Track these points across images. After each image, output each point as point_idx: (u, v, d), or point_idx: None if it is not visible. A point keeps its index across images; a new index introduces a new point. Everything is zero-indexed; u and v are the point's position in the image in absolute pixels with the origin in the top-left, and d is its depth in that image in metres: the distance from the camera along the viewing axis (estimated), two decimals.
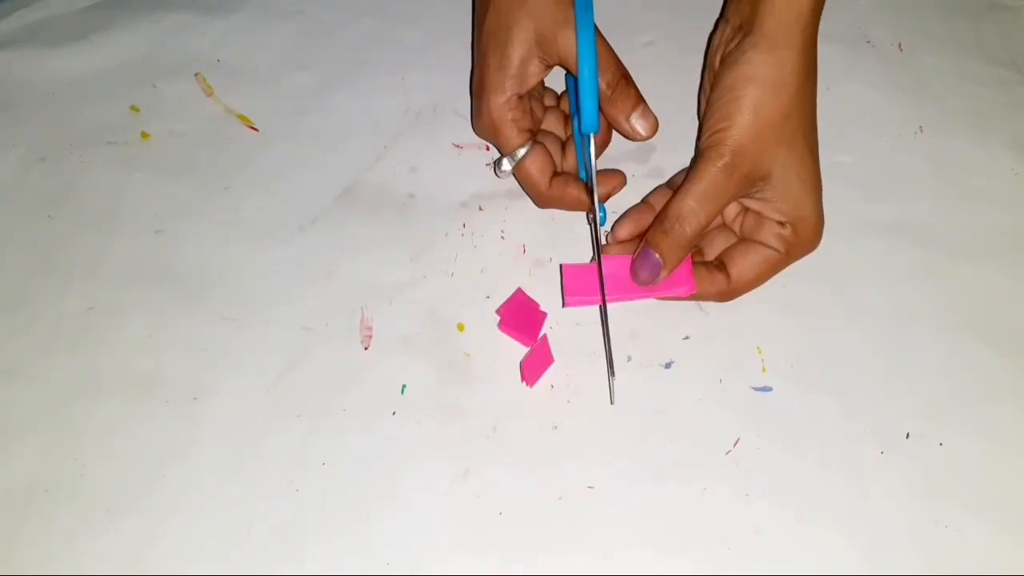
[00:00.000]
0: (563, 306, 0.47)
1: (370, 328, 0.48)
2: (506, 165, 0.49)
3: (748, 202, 0.46)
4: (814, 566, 0.42)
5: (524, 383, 0.46)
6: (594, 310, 0.48)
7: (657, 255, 0.44)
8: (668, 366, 0.47)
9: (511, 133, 0.48)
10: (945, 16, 0.57)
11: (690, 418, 0.45)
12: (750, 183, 0.44)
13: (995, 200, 0.51)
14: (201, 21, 0.59)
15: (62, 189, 0.53)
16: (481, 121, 0.49)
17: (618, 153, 0.53)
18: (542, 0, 0.46)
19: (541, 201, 0.49)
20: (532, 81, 0.48)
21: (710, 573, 0.42)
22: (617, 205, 0.50)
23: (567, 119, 0.52)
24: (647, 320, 0.48)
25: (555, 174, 0.49)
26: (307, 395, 0.46)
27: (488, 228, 0.51)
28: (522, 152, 0.48)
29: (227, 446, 0.45)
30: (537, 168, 0.48)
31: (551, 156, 0.49)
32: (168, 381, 0.47)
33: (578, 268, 0.46)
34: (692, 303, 0.48)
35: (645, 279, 0.45)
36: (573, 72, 0.46)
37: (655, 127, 0.48)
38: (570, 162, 0.50)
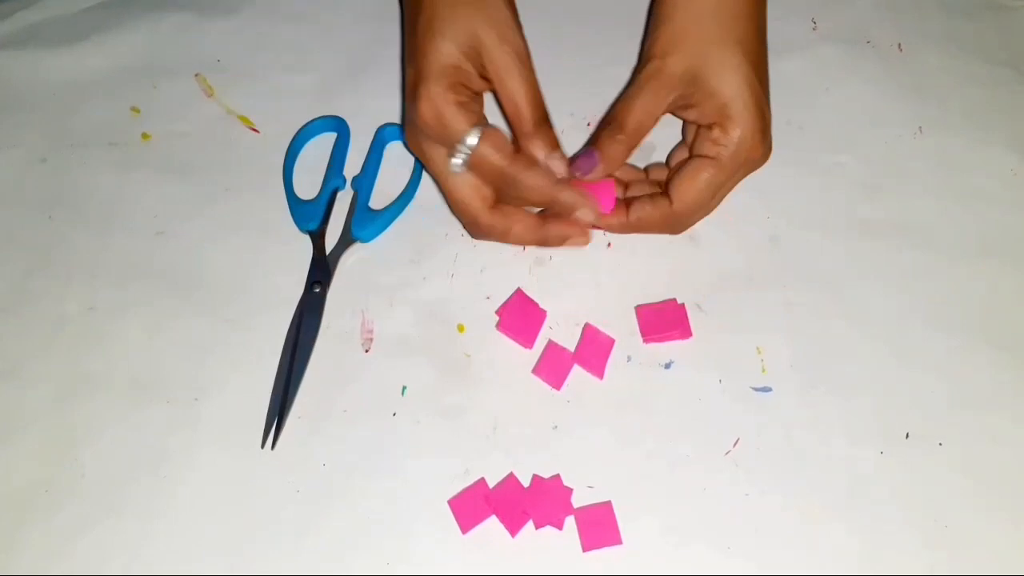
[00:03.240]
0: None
1: (370, 329, 0.48)
2: (460, 157, 0.43)
3: (683, 113, 0.46)
4: (814, 566, 0.42)
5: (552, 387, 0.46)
6: (596, 311, 0.48)
7: (596, 151, 0.45)
8: (668, 366, 0.47)
9: (458, 116, 0.43)
10: (945, 16, 0.57)
11: (690, 418, 0.45)
12: (681, 84, 0.44)
13: (995, 200, 0.51)
14: (201, 22, 0.59)
15: (62, 190, 0.53)
16: (420, 114, 0.43)
17: None
18: (493, 6, 0.44)
19: (505, 184, 0.44)
20: (474, 84, 0.45)
21: (710, 573, 0.42)
22: None
23: None
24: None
25: (516, 151, 0.44)
26: (307, 395, 0.46)
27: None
28: (475, 136, 0.43)
29: (227, 446, 0.45)
30: (496, 147, 0.43)
31: (508, 138, 0.44)
32: (168, 381, 0.47)
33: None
34: (692, 306, 0.48)
35: (583, 168, 0.45)
36: (504, 108, 0.44)
37: (567, 170, 0.45)
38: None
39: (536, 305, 0.48)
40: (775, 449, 0.44)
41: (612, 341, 0.47)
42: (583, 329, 0.47)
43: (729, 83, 0.43)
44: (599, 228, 0.47)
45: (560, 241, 0.47)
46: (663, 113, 0.45)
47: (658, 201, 0.46)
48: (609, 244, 0.50)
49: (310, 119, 0.54)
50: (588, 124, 0.54)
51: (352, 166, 0.53)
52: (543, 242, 0.47)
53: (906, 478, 0.44)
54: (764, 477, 0.44)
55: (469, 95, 0.45)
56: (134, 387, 0.47)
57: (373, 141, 0.53)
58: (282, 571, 0.42)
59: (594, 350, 0.46)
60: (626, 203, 0.46)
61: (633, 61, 0.55)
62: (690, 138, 0.47)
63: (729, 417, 0.45)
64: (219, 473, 0.45)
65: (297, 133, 0.54)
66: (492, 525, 0.43)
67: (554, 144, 0.45)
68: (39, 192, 0.53)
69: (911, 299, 0.48)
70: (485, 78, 0.44)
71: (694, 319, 0.47)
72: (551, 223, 0.46)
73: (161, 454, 0.45)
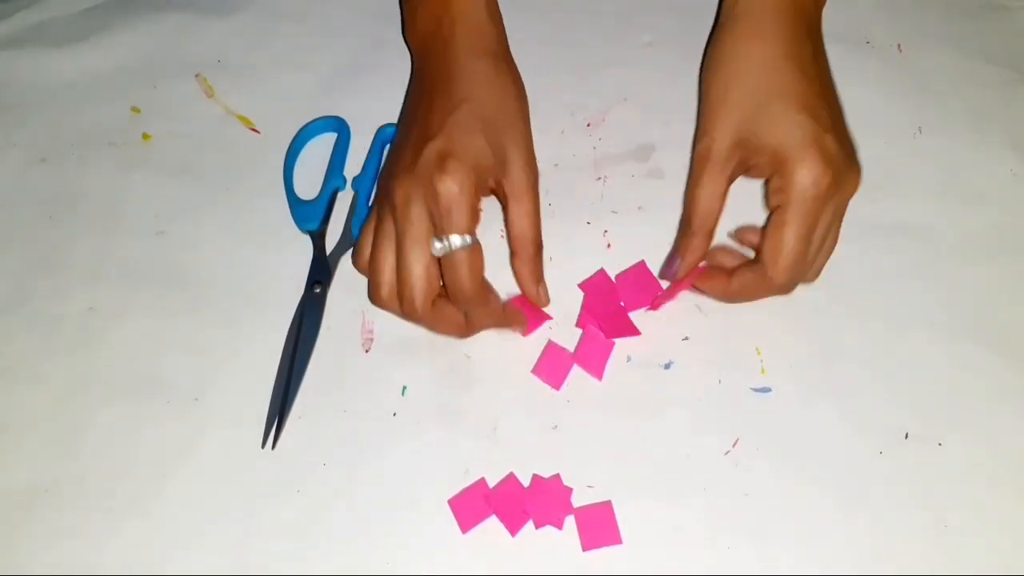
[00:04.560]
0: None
1: (370, 329, 0.48)
2: (440, 244, 0.42)
3: (749, 175, 0.45)
4: (814, 566, 0.42)
5: (551, 386, 0.47)
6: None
7: (677, 256, 0.46)
8: (668, 366, 0.47)
9: (468, 216, 0.42)
10: (945, 16, 0.57)
11: (689, 418, 0.45)
12: (733, 155, 0.44)
13: (995, 200, 0.51)
14: (202, 22, 0.59)
15: (63, 190, 0.53)
16: (442, 184, 0.41)
17: (618, 153, 0.53)
18: (523, 125, 0.46)
19: (463, 299, 0.43)
20: (485, 193, 0.45)
21: (710, 573, 0.42)
22: (623, 207, 0.50)
23: None
24: (647, 320, 0.48)
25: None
26: (308, 396, 0.46)
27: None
28: (467, 240, 0.42)
29: (227, 446, 0.45)
30: (476, 266, 0.42)
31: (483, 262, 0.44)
32: (169, 381, 0.47)
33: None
34: (692, 306, 0.48)
35: (668, 273, 0.47)
36: (510, 224, 0.45)
37: (548, 302, 0.47)
38: None
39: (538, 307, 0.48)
40: (775, 449, 0.44)
41: (612, 342, 0.47)
42: (583, 329, 0.47)
43: (774, 133, 0.43)
44: (705, 294, 0.47)
45: (511, 327, 0.47)
46: (726, 189, 0.44)
47: (756, 266, 0.44)
48: (609, 245, 0.50)
49: (310, 119, 0.54)
50: (588, 125, 0.54)
51: (352, 166, 0.53)
52: (466, 334, 0.46)
53: (906, 478, 0.44)
54: (764, 477, 0.44)
55: (480, 199, 0.44)
56: (134, 387, 0.47)
57: (373, 141, 0.53)
58: (282, 571, 0.42)
59: (594, 350, 0.46)
60: (728, 273, 0.45)
61: (633, 62, 0.55)
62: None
63: (729, 417, 0.45)
64: (219, 473, 0.45)
65: (297, 133, 0.54)
66: (492, 525, 0.43)
67: (541, 274, 0.46)
68: (39, 192, 0.53)
69: (911, 299, 0.48)
70: (494, 192, 0.46)
71: (694, 319, 0.47)
72: (475, 324, 0.46)
73: (161, 454, 0.45)
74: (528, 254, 0.45)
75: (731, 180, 0.45)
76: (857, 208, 0.50)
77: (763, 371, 0.46)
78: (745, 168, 0.45)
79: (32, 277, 0.50)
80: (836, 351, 0.47)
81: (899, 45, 0.56)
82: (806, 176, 0.41)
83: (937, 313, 0.48)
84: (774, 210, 0.43)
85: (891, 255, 0.49)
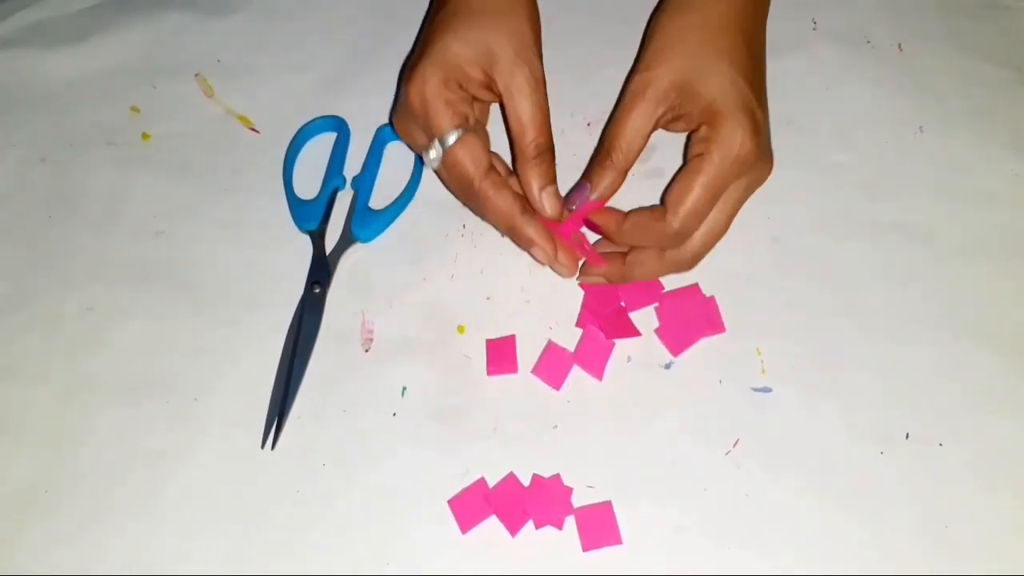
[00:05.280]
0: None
1: (370, 329, 0.48)
2: (434, 152, 0.43)
3: (673, 125, 0.45)
4: (814, 566, 0.42)
5: (551, 387, 0.46)
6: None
7: (587, 182, 0.44)
8: (668, 366, 0.47)
9: (443, 112, 0.43)
10: (945, 16, 0.57)
11: (690, 418, 0.45)
12: (667, 96, 0.43)
13: (995, 200, 0.51)
14: (201, 22, 0.59)
15: (62, 190, 0.53)
16: (407, 94, 0.43)
17: None
18: (515, 20, 0.44)
19: (470, 197, 0.44)
20: (472, 88, 0.44)
21: (710, 573, 0.42)
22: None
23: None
24: (648, 320, 0.48)
25: (490, 167, 0.44)
26: (307, 396, 0.46)
27: (488, 228, 0.51)
28: (453, 137, 0.43)
29: (227, 447, 0.45)
30: (471, 157, 0.43)
31: (487, 146, 0.44)
32: (168, 382, 0.47)
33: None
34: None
35: (575, 204, 0.44)
36: (509, 125, 0.44)
37: (559, 211, 0.45)
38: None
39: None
40: (775, 449, 0.44)
41: (612, 342, 0.47)
42: (583, 329, 0.47)
43: (714, 86, 0.43)
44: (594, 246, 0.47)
45: (527, 245, 0.45)
46: (653, 130, 0.44)
47: (655, 210, 0.44)
48: None
49: (310, 119, 0.54)
50: (588, 124, 0.54)
51: (352, 166, 0.53)
52: (512, 232, 0.45)
53: (906, 478, 0.44)
54: (764, 477, 0.44)
55: (462, 96, 0.44)
56: (134, 387, 0.47)
57: (373, 141, 0.53)
58: (282, 571, 0.42)
59: (594, 350, 0.46)
60: (624, 215, 0.45)
61: (633, 62, 0.55)
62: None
63: (729, 417, 0.45)
64: (219, 473, 0.45)
65: (297, 133, 0.54)
66: (492, 525, 0.43)
67: (552, 178, 0.44)
68: (39, 192, 0.53)
69: (911, 299, 0.48)
70: (492, 90, 0.44)
71: None
72: (526, 222, 0.44)
73: (161, 454, 0.45)
74: (526, 156, 0.44)
75: (659, 123, 0.44)
76: (857, 208, 0.51)
77: (763, 371, 0.46)
78: (675, 116, 0.44)
79: (32, 277, 0.50)
80: (836, 351, 0.47)
81: (899, 45, 0.56)
82: (735, 135, 0.42)
83: (937, 313, 0.48)
84: (691, 159, 0.43)
85: (891, 255, 0.49)
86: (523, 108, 0.43)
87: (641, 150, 0.44)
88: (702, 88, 0.43)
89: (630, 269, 0.46)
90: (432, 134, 0.43)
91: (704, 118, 0.43)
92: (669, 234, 0.43)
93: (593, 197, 0.44)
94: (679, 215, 0.42)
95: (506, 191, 0.44)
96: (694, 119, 0.44)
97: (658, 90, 0.43)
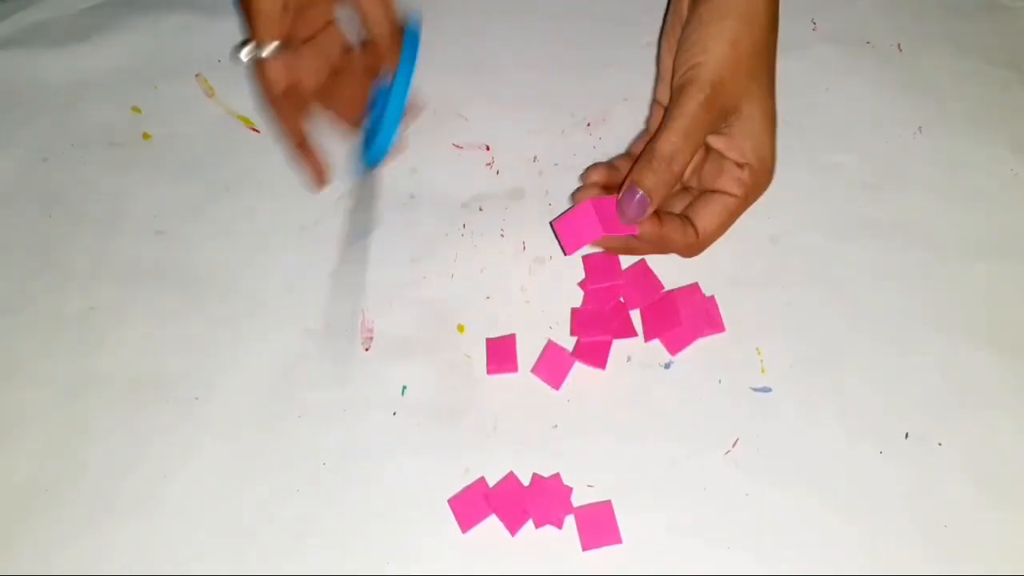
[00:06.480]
0: (565, 255, 0.44)
1: (371, 329, 0.48)
2: (244, 54, 0.45)
3: (713, 139, 0.44)
4: (814, 566, 0.42)
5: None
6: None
7: (642, 192, 0.42)
8: (668, 366, 0.47)
9: (266, 21, 0.45)
10: (945, 16, 0.57)
11: (690, 418, 0.45)
12: (723, 116, 0.43)
13: (995, 200, 0.51)
14: (202, 22, 0.59)
15: (63, 189, 0.53)
16: None
17: (614, 150, 0.52)
18: None
19: (266, 109, 0.47)
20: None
21: (710, 573, 0.42)
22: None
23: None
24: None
25: (293, 91, 0.46)
26: (307, 395, 0.46)
27: (488, 228, 0.51)
28: (267, 50, 0.45)
29: (227, 446, 0.45)
30: (273, 75, 0.45)
31: (297, 70, 0.46)
32: (169, 381, 0.47)
33: (567, 217, 0.44)
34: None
35: (633, 216, 0.42)
36: (363, 24, 0.45)
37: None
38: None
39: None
40: (775, 449, 0.44)
41: (611, 340, 0.47)
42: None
43: (763, 120, 0.44)
44: (632, 236, 0.45)
45: (302, 171, 0.48)
46: (702, 143, 0.43)
47: (687, 228, 0.45)
48: None
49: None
50: (588, 124, 0.54)
51: None
52: (292, 157, 0.48)
53: (906, 478, 0.44)
54: (764, 477, 0.44)
55: (297, 11, 0.45)
56: (134, 387, 0.47)
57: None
58: (282, 571, 0.42)
59: (594, 348, 0.46)
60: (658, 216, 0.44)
61: (633, 62, 0.55)
62: (701, 174, 0.46)
63: (729, 417, 0.45)
64: (219, 473, 0.45)
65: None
66: (492, 524, 0.43)
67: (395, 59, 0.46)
68: (39, 192, 0.53)
69: (911, 299, 0.48)
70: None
71: None
72: (301, 156, 0.48)
73: (161, 454, 0.45)
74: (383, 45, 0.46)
75: (710, 132, 0.43)
76: (857, 208, 0.51)
77: (763, 371, 0.46)
78: (721, 124, 0.43)
79: (32, 277, 0.50)
80: (836, 351, 0.47)
81: (899, 45, 0.56)
82: (763, 188, 0.45)
83: (937, 312, 0.48)
84: (723, 191, 0.45)
85: (891, 255, 0.49)
86: (371, 5, 0.45)
87: (689, 163, 0.43)
88: (752, 126, 0.44)
89: (639, 245, 0.46)
90: (250, 36, 0.45)
91: (748, 159, 0.44)
92: (692, 248, 0.46)
93: (651, 211, 0.43)
94: (706, 241, 0.46)
95: (292, 121, 0.47)
96: (735, 152, 0.44)
97: (714, 105, 0.42)
